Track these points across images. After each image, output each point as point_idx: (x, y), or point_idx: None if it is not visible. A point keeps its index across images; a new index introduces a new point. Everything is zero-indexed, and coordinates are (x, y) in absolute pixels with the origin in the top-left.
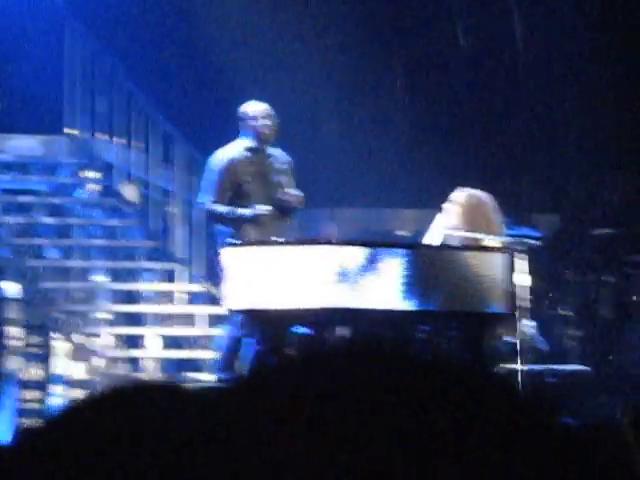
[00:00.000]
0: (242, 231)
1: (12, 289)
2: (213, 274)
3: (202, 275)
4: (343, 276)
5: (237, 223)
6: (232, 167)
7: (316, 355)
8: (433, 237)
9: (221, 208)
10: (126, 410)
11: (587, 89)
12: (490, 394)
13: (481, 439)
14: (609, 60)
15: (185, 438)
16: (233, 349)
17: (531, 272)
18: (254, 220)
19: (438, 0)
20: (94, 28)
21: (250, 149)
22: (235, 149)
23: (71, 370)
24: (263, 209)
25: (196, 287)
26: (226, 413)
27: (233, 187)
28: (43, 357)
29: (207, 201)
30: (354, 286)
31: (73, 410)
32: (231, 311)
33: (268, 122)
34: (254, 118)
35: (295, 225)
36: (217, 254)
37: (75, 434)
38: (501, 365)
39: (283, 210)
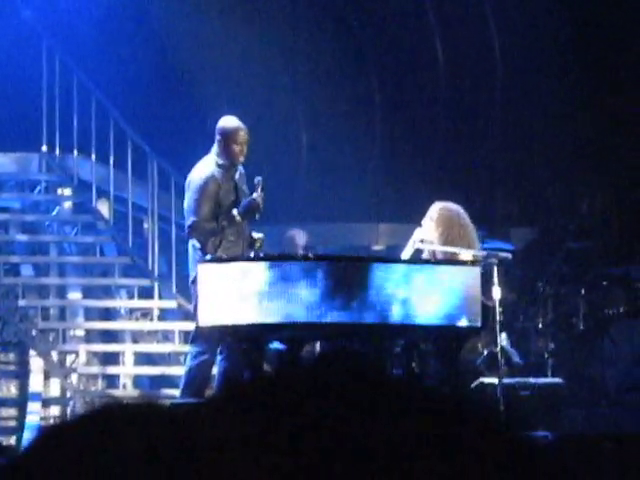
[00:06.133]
0: (221, 247)
1: None
2: (188, 290)
3: (177, 291)
4: (317, 290)
5: (217, 239)
6: (211, 184)
7: (290, 371)
8: (408, 251)
9: (205, 223)
10: (102, 432)
11: (563, 102)
12: (459, 412)
13: (452, 456)
14: (587, 74)
15: (159, 458)
16: (201, 368)
17: (505, 285)
18: (234, 226)
19: (416, 14)
20: (70, 46)
21: (224, 165)
22: (211, 166)
23: (47, 387)
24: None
25: (171, 303)
26: (203, 430)
27: (213, 203)
28: (19, 375)
29: (190, 221)
30: (329, 300)
31: (50, 434)
32: (204, 328)
33: (243, 148)
34: (233, 141)
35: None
36: (193, 270)
37: (53, 459)
38: (479, 379)
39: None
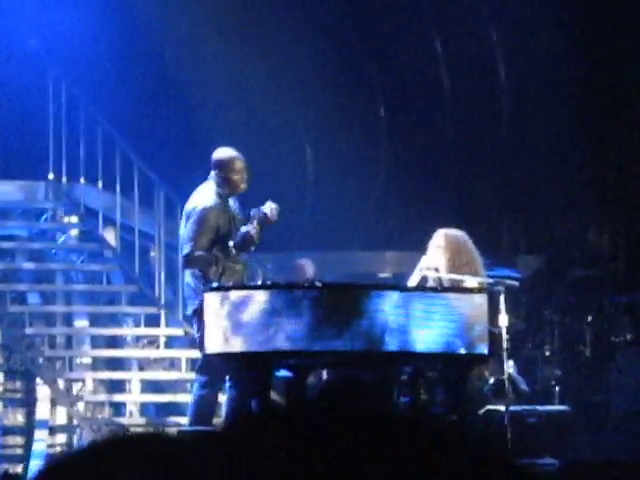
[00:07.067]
0: (221, 275)
1: None
2: (194, 318)
3: (184, 319)
4: (322, 318)
5: (216, 267)
6: (213, 215)
7: (300, 402)
8: (415, 279)
9: (202, 254)
10: (111, 464)
11: (570, 130)
12: (462, 441)
13: None
14: (593, 102)
15: None
16: (206, 399)
17: (511, 312)
18: (229, 258)
19: (422, 41)
20: (76, 75)
21: (221, 196)
22: (211, 196)
23: (54, 415)
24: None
25: (178, 331)
26: (213, 461)
27: (213, 234)
28: (26, 402)
29: (188, 250)
30: (333, 328)
31: (59, 464)
32: (210, 355)
33: (242, 176)
34: (232, 171)
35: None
36: (195, 299)
37: None
38: (486, 406)
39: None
